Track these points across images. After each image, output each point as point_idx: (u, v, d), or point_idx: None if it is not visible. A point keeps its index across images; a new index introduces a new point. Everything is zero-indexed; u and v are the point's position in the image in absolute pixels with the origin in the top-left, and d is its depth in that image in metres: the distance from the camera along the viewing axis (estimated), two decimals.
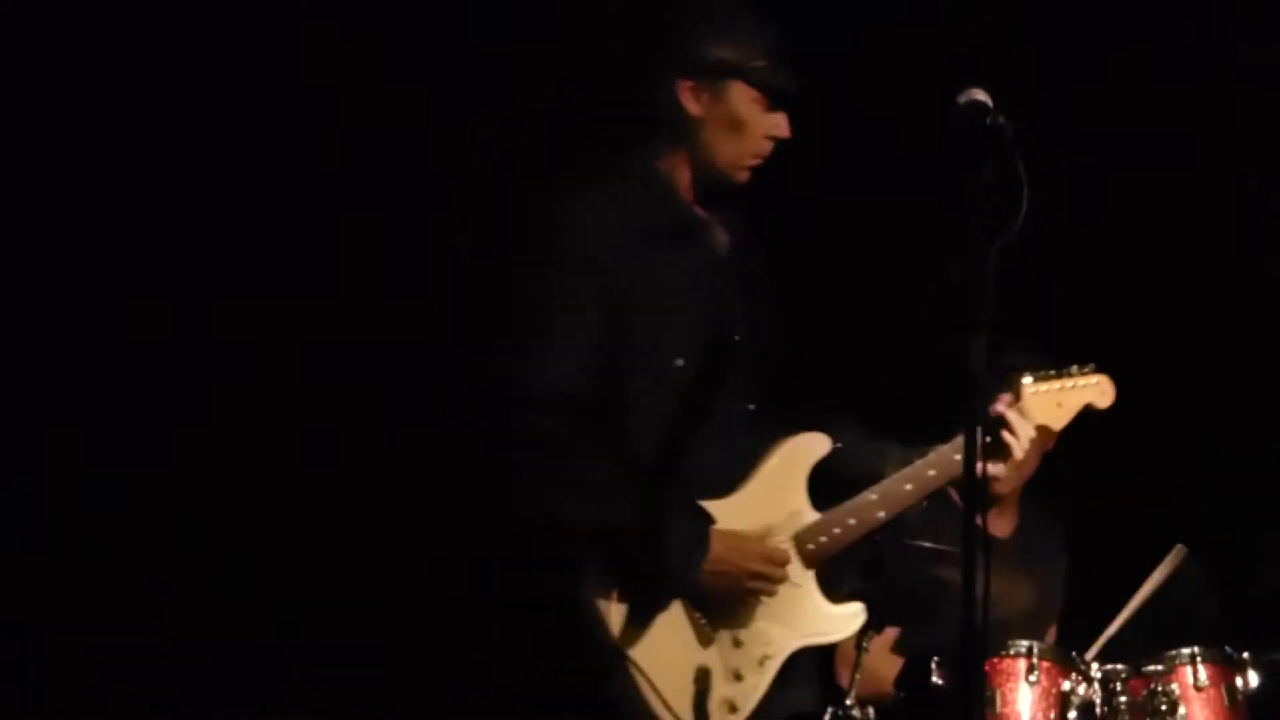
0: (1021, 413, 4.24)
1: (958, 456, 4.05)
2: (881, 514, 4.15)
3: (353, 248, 5.40)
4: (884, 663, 5.02)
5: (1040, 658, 4.72)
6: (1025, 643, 4.76)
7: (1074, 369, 4.36)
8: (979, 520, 3.49)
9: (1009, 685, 4.69)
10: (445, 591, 5.36)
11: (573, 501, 3.91)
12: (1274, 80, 5.89)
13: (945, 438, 4.23)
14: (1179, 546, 5.11)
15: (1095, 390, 4.38)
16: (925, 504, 4.32)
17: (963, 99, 3.56)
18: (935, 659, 4.77)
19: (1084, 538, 5.65)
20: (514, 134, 5.33)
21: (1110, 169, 5.94)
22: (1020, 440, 4.23)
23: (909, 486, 4.17)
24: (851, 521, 4.14)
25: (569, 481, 3.92)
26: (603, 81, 4.86)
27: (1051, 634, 5.44)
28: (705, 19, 4.07)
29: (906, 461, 4.21)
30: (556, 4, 5.40)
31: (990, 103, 3.55)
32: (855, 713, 4.72)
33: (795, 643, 4.11)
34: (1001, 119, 3.52)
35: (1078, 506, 5.65)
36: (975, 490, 3.52)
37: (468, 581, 5.15)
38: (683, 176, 4.09)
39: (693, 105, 4.03)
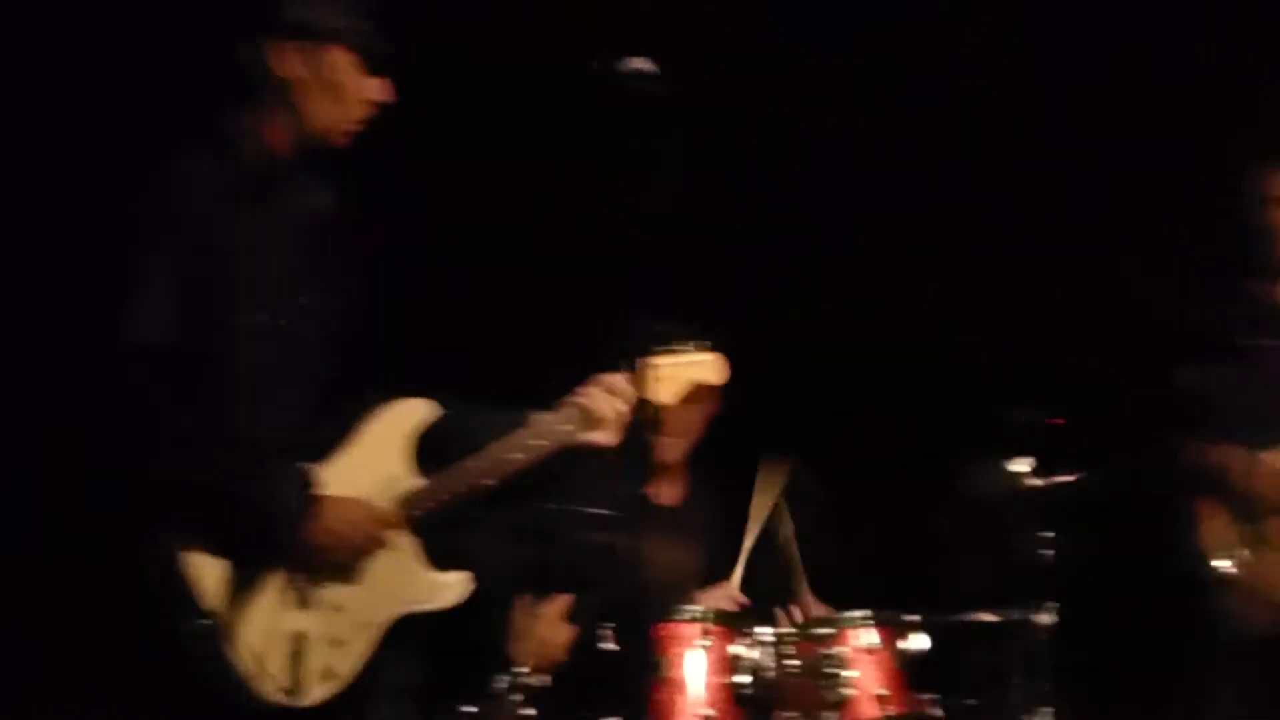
0: (610, 389, 4.27)
1: (565, 426, 4.20)
2: (488, 481, 4.16)
3: None
4: (556, 630, 5.03)
5: (710, 621, 4.77)
6: (695, 608, 4.82)
7: (690, 346, 4.43)
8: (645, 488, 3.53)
9: (677, 650, 4.74)
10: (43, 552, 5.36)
11: (162, 454, 3.89)
12: None
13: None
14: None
15: (706, 368, 4.44)
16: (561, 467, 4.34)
17: (625, 66, 3.68)
18: (605, 625, 4.80)
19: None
20: (116, 96, 5.38)
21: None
22: (602, 413, 4.25)
23: (519, 455, 4.18)
24: (457, 488, 4.14)
25: (158, 433, 3.89)
26: (202, 42, 4.85)
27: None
28: None
29: (507, 429, 4.22)
30: None
31: (654, 69, 3.69)
32: (526, 679, 4.81)
33: (397, 609, 4.09)
34: (658, 85, 3.68)
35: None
36: (636, 459, 3.60)
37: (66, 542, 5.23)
38: (278, 137, 4.10)
39: (287, 67, 4.06)
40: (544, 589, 4.92)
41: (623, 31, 3.87)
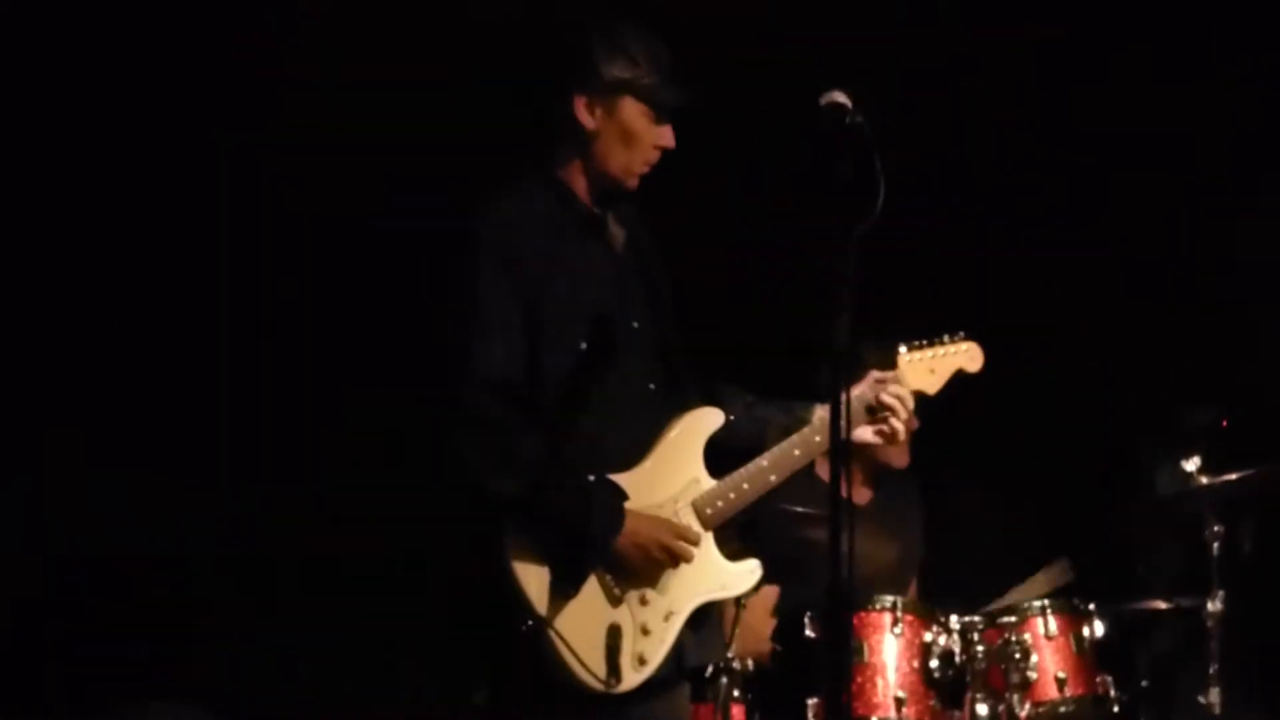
0: (899, 381, 4.44)
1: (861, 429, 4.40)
2: (773, 478, 4.37)
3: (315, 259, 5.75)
4: (763, 621, 5.25)
5: (904, 611, 5.00)
6: (889, 598, 5.02)
7: (945, 337, 4.54)
8: (844, 487, 3.72)
9: (875, 637, 4.96)
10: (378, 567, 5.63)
11: (511, 479, 4.14)
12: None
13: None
14: None
15: (965, 356, 4.55)
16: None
17: (823, 100, 3.84)
18: (808, 614, 5.05)
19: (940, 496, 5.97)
20: (434, 150, 5.65)
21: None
22: (902, 408, 4.43)
23: (797, 452, 4.38)
24: (746, 486, 4.36)
25: (508, 460, 4.15)
26: (512, 100, 5.10)
27: (913, 589, 5.70)
28: (600, 39, 4.31)
29: (788, 430, 4.41)
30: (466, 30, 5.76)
31: (849, 102, 3.83)
32: (735, 665, 5.03)
33: (698, 599, 4.30)
34: (859, 118, 3.81)
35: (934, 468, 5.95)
36: (840, 457, 3.81)
37: (400, 558, 5.47)
38: (580, 183, 4.35)
39: (587, 119, 4.30)
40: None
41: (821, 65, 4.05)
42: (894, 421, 4.43)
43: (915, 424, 5.67)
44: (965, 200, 6.20)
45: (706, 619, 4.39)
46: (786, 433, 4.41)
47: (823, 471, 5.49)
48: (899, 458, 5.75)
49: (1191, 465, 5.33)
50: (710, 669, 5.03)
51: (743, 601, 4.93)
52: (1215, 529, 5.26)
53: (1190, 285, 6.32)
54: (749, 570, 4.38)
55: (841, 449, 3.82)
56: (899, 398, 4.42)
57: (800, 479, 5.35)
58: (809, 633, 5.04)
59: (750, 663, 5.12)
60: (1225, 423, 5.46)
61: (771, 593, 5.28)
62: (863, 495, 5.76)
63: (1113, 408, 6.28)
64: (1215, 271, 6.33)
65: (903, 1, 6.20)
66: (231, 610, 5.69)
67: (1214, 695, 5.18)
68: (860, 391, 4.40)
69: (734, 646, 5.05)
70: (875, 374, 4.44)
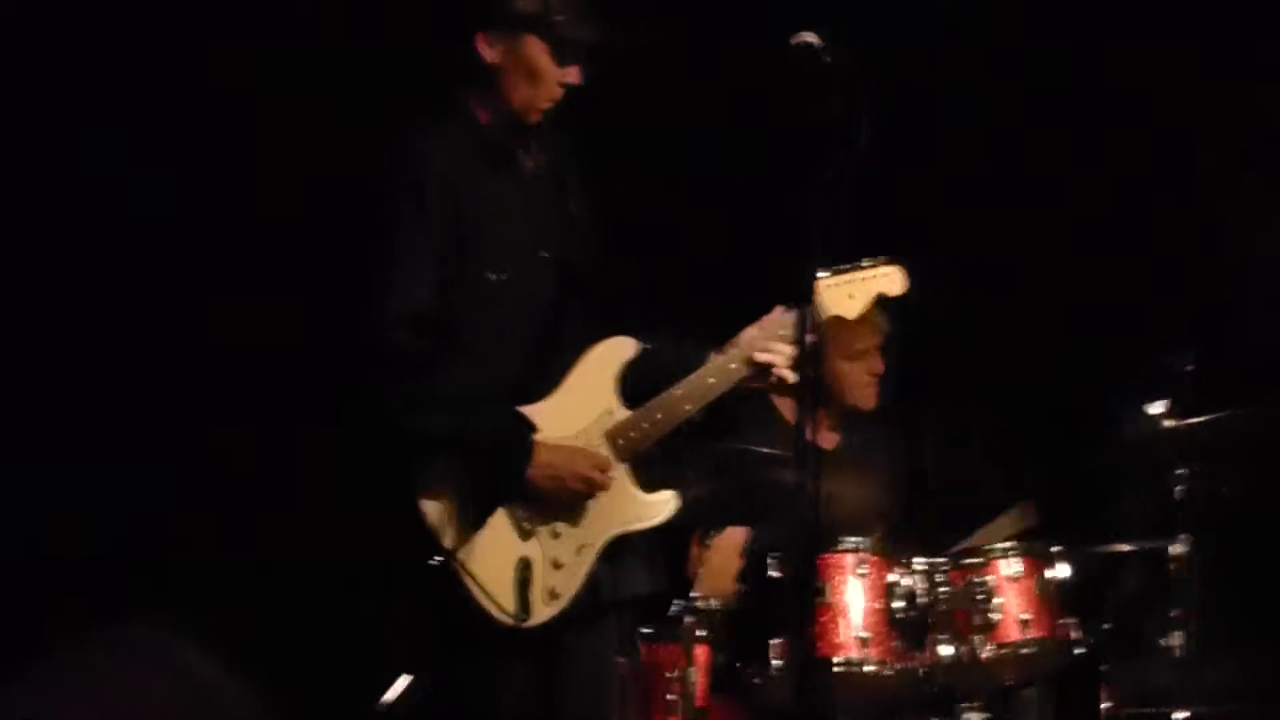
0: (767, 327, 4.40)
1: (756, 353, 4.38)
2: (688, 407, 4.38)
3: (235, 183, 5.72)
4: (730, 561, 5.30)
5: (868, 552, 4.99)
6: (853, 540, 5.02)
7: (865, 261, 4.52)
8: (809, 430, 3.76)
9: (839, 578, 4.96)
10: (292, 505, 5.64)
11: (425, 415, 4.21)
12: None
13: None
14: None
15: (886, 280, 4.53)
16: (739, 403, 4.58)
17: (794, 41, 3.86)
18: (771, 555, 5.04)
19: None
20: (353, 83, 5.65)
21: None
22: (780, 358, 4.38)
23: (711, 380, 4.39)
24: (659, 416, 4.37)
25: (421, 395, 4.21)
26: (421, 33, 5.19)
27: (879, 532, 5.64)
28: None
29: (697, 363, 4.42)
30: None
31: (819, 42, 3.85)
32: (700, 604, 5.08)
33: (611, 531, 4.33)
34: (830, 58, 3.83)
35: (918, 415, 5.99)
36: (806, 399, 3.87)
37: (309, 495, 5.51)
38: (484, 114, 4.41)
39: (489, 54, 4.36)
40: (718, 522, 5.11)
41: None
42: (776, 371, 4.40)
43: (880, 367, 5.73)
44: (931, 135, 6.16)
45: (625, 552, 4.39)
46: (692, 369, 4.41)
47: (785, 410, 5.51)
48: (865, 400, 5.77)
49: (1158, 409, 5.32)
50: (675, 608, 5.05)
51: (708, 542, 4.93)
52: (1179, 472, 5.27)
53: (1165, 224, 6.32)
54: (663, 501, 4.39)
55: (809, 390, 3.84)
56: (774, 351, 4.39)
57: (763, 418, 5.43)
58: (773, 573, 5.02)
59: (716, 603, 5.14)
60: (1190, 367, 5.44)
61: (739, 533, 5.31)
62: (829, 439, 5.78)
63: (1080, 350, 6.28)
64: (1191, 211, 6.32)
65: None
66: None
67: (1176, 639, 5.19)
68: (749, 337, 4.41)
69: (700, 586, 5.10)
70: (760, 323, 4.44)
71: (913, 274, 4.55)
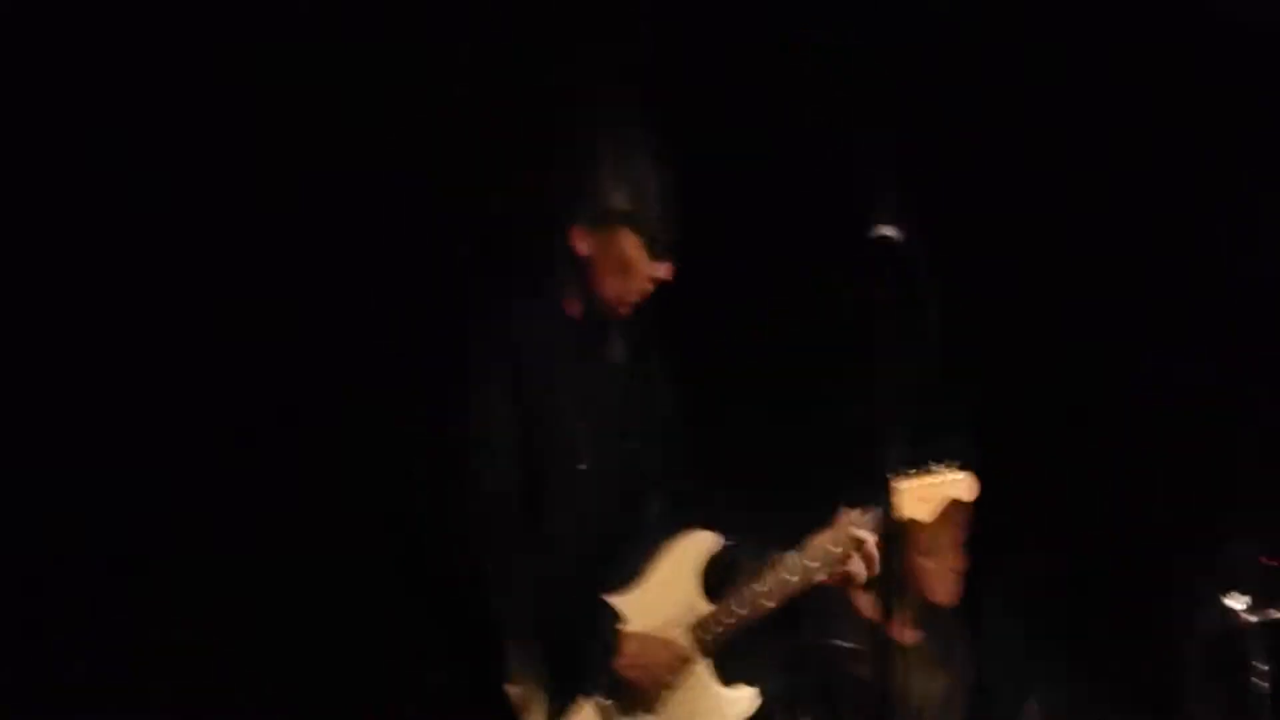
0: (846, 528, 4.39)
1: (834, 549, 4.38)
2: (770, 604, 4.39)
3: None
4: None
5: None
6: None
7: (940, 466, 4.55)
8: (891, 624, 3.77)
9: None
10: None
11: (510, 600, 4.23)
12: None
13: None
14: None
15: (957, 486, 4.56)
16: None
17: (874, 234, 3.83)
18: None
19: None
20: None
21: None
22: (863, 556, 4.38)
23: (794, 579, 4.39)
24: (742, 612, 4.38)
25: (508, 581, 4.24)
26: (513, 223, 5.22)
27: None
28: (600, 168, 4.44)
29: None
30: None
31: (899, 236, 3.84)
32: None
33: None
34: (908, 251, 3.81)
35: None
36: (888, 591, 3.85)
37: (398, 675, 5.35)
38: (575, 305, 4.47)
39: (583, 246, 4.43)
40: (796, 717, 5.01)
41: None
42: (851, 568, 4.39)
43: (961, 563, 5.66)
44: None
45: None
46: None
47: (861, 604, 5.46)
48: (946, 595, 5.70)
49: (1238, 603, 5.25)
50: None
51: None
52: (1262, 668, 5.19)
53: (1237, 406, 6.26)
54: (744, 697, 4.42)
55: (892, 582, 3.83)
56: (855, 557, 4.38)
57: (838, 609, 5.37)
58: None
59: None
60: (1266, 558, 5.38)
61: None
62: (909, 635, 5.63)
63: (1153, 538, 6.20)
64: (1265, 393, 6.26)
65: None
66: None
67: None
68: (833, 537, 4.40)
69: None
70: (835, 526, 4.43)
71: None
